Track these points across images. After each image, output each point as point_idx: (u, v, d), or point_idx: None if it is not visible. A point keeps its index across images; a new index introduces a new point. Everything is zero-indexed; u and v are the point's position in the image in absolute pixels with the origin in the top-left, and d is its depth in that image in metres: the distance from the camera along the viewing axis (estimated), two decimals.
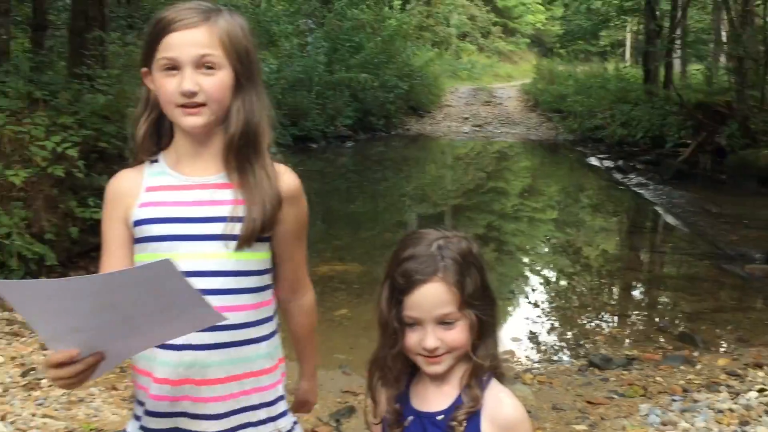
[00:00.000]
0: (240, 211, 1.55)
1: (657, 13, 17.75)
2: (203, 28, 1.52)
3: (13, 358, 4.27)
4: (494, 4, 40.07)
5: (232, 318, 1.51)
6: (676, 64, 19.78)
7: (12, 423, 3.45)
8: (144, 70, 1.59)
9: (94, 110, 6.67)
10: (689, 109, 13.70)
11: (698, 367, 4.70)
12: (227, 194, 1.57)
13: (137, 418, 1.63)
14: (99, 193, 6.54)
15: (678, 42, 17.52)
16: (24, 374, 4.05)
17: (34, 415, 3.56)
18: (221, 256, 1.54)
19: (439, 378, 1.55)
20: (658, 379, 4.50)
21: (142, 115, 1.62)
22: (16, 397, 3.75)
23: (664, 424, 3.78)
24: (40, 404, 3.70)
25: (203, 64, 1.52)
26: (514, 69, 36.00)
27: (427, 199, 12.38)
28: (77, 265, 6.36)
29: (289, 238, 1.64)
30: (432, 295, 1.48)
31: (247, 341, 1.58)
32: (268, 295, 1.65)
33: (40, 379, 4.01)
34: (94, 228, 6.60)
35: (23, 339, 4.61)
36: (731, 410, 3.86)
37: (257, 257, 1.59)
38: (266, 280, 1.64)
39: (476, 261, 1.54)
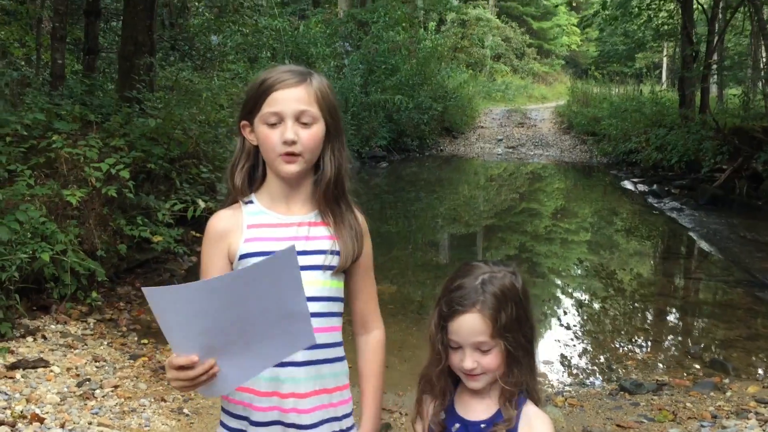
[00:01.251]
0: (336, 246, 1.83)
1: (693, 37, 17.73)
2: (302, 88, 1.80)
3: (68, 369, 4.51)
4: (529, 26, 40.21)
5: (326, 338, 1.81)
6: (713, 88, 19.70)
7: (71, 430, 3.68)
8: (243, 122, 1.86)
9: (144, 133, 6.97)
10: (725, 134, 13.66)
11: (728, 393, 4.77)
12: (322, 231, 1.85)
13: (234, 431, 1.82)
14: (146, 212, 6.86)
15: (714, 67, 17.47)
16: (79, 384, 4.29)
17: (90, 423, 3.79)
18: (319, 283, 1.81)
19: (480, 392, 1.76)
20: (688, 404, 4.59)
21: (238, 164, 1.89)
22: (73, 406, 3.98)
23: None
24: (95, 413, 3.93)
25: (302, 118, 1.79)
26: (549, 90, 36.00)
27: (459, 219, 12.52)
28: (124, 281, 6.65)
29: (362, 271, 1.91)
30: (469, 324, 1.72)
31: (335, 359, 1.84)
32: (342, 321, 1.91)
33: (94, 390, 4.24)
34: (140, 245, 6.90)
35: (77, 351, 4.86)
36: None
37: (339, 286, 1.87)
38: (341, 307, 1.89)
39: (515, 296, 1.75)
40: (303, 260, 1.76)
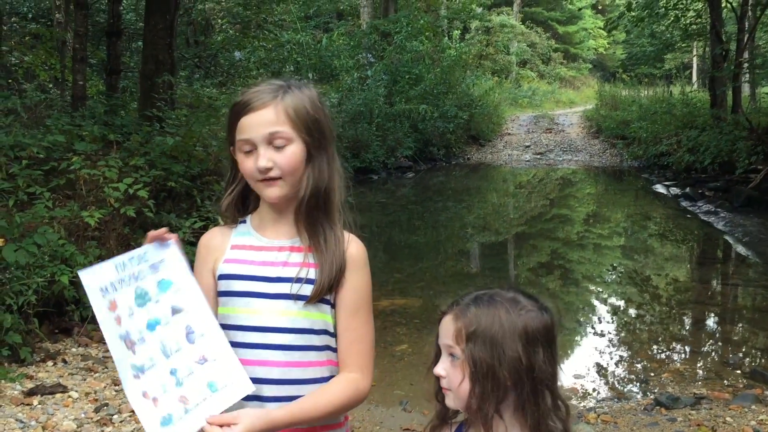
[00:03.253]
0: (310, 273, 1.68)
1: (723, 36, 17.35)
2: (270, 108, 1.67)
3: (87, 394, 4.45)
4: (555, 31, 39.89)
5: (299, 374, 1.66)
6: (745, 87, 19.26)
7: None
8: (232, 148, 1.75)
9: (164, 151, 6.94)
10: (759, 133, 13.29)
11: None
12: (300, 257, 1.71)
13: None
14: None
15: (746, 65, 17.07)
16: (97, 410, 4.22)
17: None
18: (291, 314, 1.67)
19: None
20: (728, 419, 4.37)
21: (229, 187, 1.79)
22: None
23: None
24: None
25: (274, 141, 1.66)
26: (576, 95, 35.62)
27: (489, 227, 12.34)
28: None
29: (347, 306, 1.72)
30: (446, 327, 1.59)
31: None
32: (333, 356, 1.74)
33: (112, 415, 4.17)
34: None
35: (97, 375, 4.80)
36: None
37: (324, 318, 1.71)
38: (330, 341, 1.73)
39: (541, 338, 1.55)
40: (276, 287, 1.67)
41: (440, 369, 1.56)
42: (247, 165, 1.67)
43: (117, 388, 4.62)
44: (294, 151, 1.68)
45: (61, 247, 5.32)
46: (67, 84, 10.64)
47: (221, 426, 1.51)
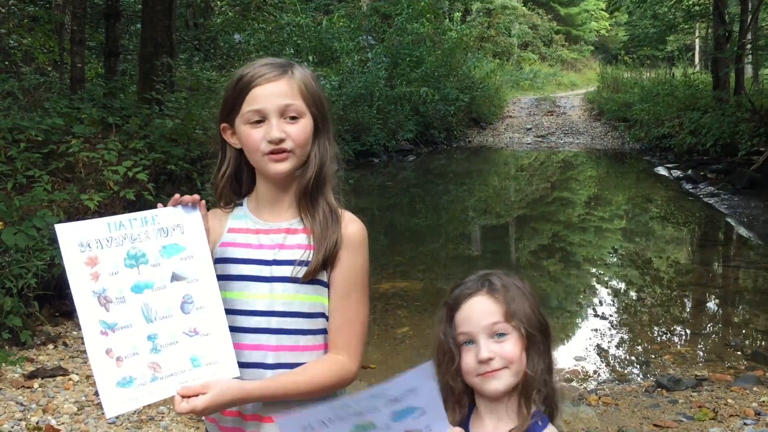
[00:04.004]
0: (305, 255, 1.65)
1: (726, 17, 17.21)
2: (284, 80, 1.65)
3: (87, 377, 4.44)
4: (557, 13, 39.60)
5: (292, 358, 1.63)
6: (748, 69, 19.12)
7: None
8: (223, 125, 1.71)
9: (163, 134, 6.91)
10: (762, 115, 13.22)
11: None
12: (299, 239, 1.68)
13: None
14: None
15: (749, 46, 16.94)
16: (97, 393, 4.20)
17: None
18: (288, 297, 1.64)
19: (496, 412, 1.58)
20: (729, 401, 4.36)
21: (221, 170, 1.74)
22: (91, 416, 3.90)
23: None
24: (112, 423, 3.84)
25: (288, 114, 1.64)
26: (578, 77, 35.43)
27: (490, 210, 12.32)
28: None
29: (338, 286, 1.67)
30: (479, 306, 1.60)
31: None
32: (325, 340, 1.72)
33: None
34: None
35: None
36: None
37: (320, 300, 1.67)
38: (325, 324, 1.70)
39: (523, 290, 1.64)
40: (272, 271, 1.65)
41: (485, 352, 1.54)
42: (255, 136, 1.63)
43: None
44: (306, 124, 1.66)
45: None
46: (66, 67, 10.57)
47: (189, 397, 1.49)
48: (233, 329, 1.60)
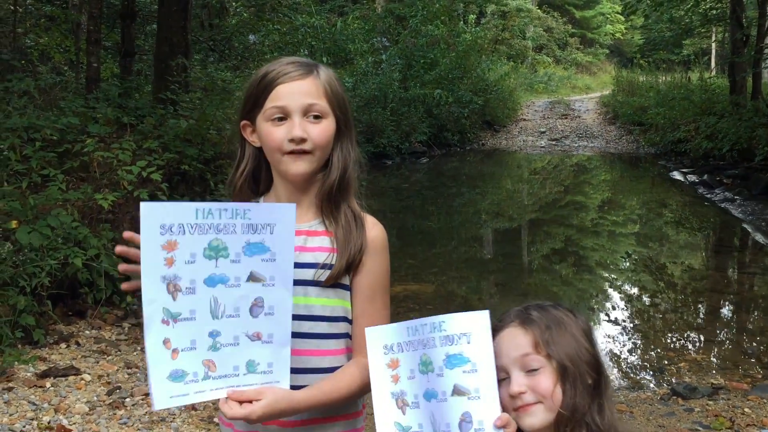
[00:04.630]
0: (328, 258, 1.62)
1: (743, 21, 17.06)
2: (309, 80, 1.62)
3: (100, 377, 4.44)
4: (572, 15, 39.44)
5: (316, 362, 1.61)
6: (765, 73, 18.94)
7: None
8: (244, 122, 1.68)
9: (177, 134, 6.92)
10: None
11: None
12: (320, 241, 1.65)
13: None
14: None
15: (766, 51, 16.78)
16: (110, 393, 4.21)
17: None
18: (310, 300, 1.62)
19: None
20: (746, 410, 4.30)
21: (239, 168, 1.71)
22: (102, 416, 3.90)
23: None
24: (123, 423, 3.84)
25: (311, 113, 1.61)
26: (593, 80, 35.25)
27: (503, 214, 12.27)
28: None
29: (363, 291, 1.66)
30: (508, 338, 1.54)
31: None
32: (351, 344, 1.69)
33: (125, 398, 4.16)
34: None
35: (110, 357, 4.80)
36: None
37: (343, 304, 1.65)
38: (349, 329, 1.68)
39: (567, 323, 1.56)
40: (294, 273, 1.59)
41: (518, 386, 1.48)
42: (278, 134, 1.60)
43: (129, 371, 4.62)
44: (328, 126, 1.64)
45: (75, 229, 5.31)
46: (82, 66, 10.62)
47: (242, 402, 1.46)
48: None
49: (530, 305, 1.58)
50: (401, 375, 1.49)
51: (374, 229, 1.69)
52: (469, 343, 1.46)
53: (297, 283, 1.59)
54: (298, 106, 1.60)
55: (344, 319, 1.66)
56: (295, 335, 1.58)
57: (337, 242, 1.64)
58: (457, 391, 1.46)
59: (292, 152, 1.60)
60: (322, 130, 1.62)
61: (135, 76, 9.92)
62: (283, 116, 1.60)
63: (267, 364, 1.51)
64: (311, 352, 1.61)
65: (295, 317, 1.58)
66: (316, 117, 1.61)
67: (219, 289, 1.46)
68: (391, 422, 1.49)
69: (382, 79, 17.61)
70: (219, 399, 1.48)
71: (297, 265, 1.59)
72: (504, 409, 1.49)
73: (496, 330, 1.54)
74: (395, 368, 1.50)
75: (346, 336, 1.66)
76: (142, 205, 1.42)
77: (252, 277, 1.49)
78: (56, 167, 5.94)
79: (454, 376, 1.46)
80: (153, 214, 1.42)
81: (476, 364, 1.46)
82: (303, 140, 1.59)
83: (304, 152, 1.60)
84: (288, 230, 1.52)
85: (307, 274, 1.62)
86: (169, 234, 1.42)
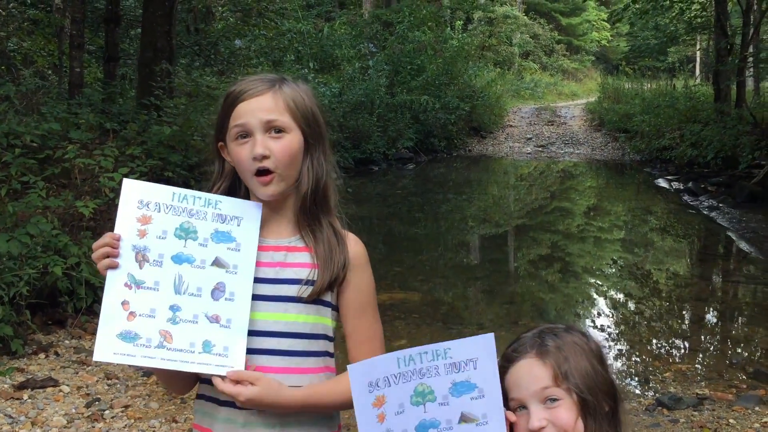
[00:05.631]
0: (310, 275, 1.60)
1: (728, 29, 17.20)
2: (269, 95, 1.60)
3: (78, 388, 4.37)
4: (558, 22, 39.66)
5: (295, 381, 1.58)
6: (749, 81, 19.11)
7: None
8: (220, 144, 1.68)
9: (161, 140, 6.85)
10: (763, 128, 13.19)
11: None
12: (301, 257, 1.63)
13: None
14: None
15: (750, 59, 16.93)
16: (88, 405, 4.14)
17: None
18: (289, 317, 1.59)
19: None
20: (731, 421, 4.29)
21: (215, 185, 1.71)
22: (80, 429, 3.83)
23: None
24: None
25: (272, 129, 1.59)
26: (579, 87, 35.46)
27: (490, 220, 12.27)
28: None
29: (352, 308, 1.65)
30: (525, 370, 1.49)
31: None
32: (331, 362, 1.67)
33: (104, 410, 4.09)
34: None
35: (89, 368, 4.72)
36: None
37: (323, 321, 1.63)
38: (329, 347, 1.66)
39: (582, 348, 1.52)
40: (273, 290, 1.60)
41: (538, 421, 1.43)
42: (242, 154, 1.59)
43: (109, 382, 4.55)
44: (291, 141, 1.61)
45: (55, 237, 5.24)
46: (65, 71, 10.53)
47: (236, 382, 1.50)
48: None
49: (544, 331, 1.54)
50: (387, 412, 1.43)
51: (356, 246, 1.69)
52: (475, 369, 1.44)
53: (278, 299, 1.59)
54: (258, 123, 1.58)
55: (324, 336, 1.64)
56: (275, 352, 1.57)
57: (317, 258, 1.62)
58: (464, 419, 1.44)
59: (258, 174, 1.59)
60: (285, 146, 1.59)
61: (119, 81, 9.84)
62: (246, 134, 1.59)
63: (223, 347, 1.54)
64: (290, 369, 1.58)
65: (275, 334, 1.57)
66: (278, 131, 1.59)
67: (185, 267, 1.56)
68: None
69: (369, 84, 17.59)
70: (166, 371, 1.53)
71: (278, 281, 1.60)
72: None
73: (510, 360, 1.51)
74: (381, 406, 1.43)
75: (325, 354, 1.64)
76: (125, 181, 1.57)
77: (216, 262, 1.57)
78: (36, 174, 5.86)
79: (462, 404, 1.44)
80: (133, 189, 1.56)
81: (483, 390, 1.44)
82: (265, 157, 1.57)
83: (269, 172, 1.58)
84: (253, 225, 1.61)
85: (289, 290, 1.60)
86: (145, 209, 1.55)
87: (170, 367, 1.52)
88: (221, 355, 1.54)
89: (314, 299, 1.60)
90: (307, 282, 1.59)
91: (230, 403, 1.56)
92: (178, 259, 1.55)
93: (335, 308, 1.65)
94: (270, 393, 1.50)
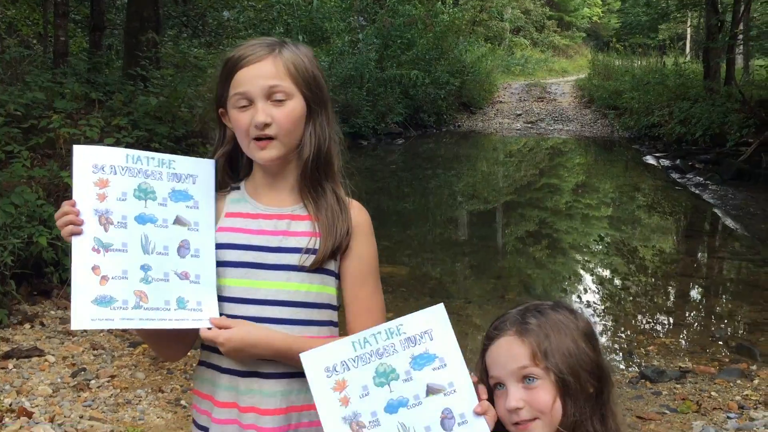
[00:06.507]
0: (312, 243, 1.58)
1: (719, 6, 17.16)
2: (269, 60, 1.57)
3: (64, 358, 4.36)
4: None
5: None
6: (738, 59, 19.11)
7: (60, 425, 3.52)
8: (221, 110, 1.65)
9: (147, 111, 6.78)
10: (751, 106, 13.22)
11: (756, 381, 4.52)
12: (303, 225, 1.61)
13: None
14: None
15: (740, 37, 16.91)
16: (74, 375, 4.13)
17: (81, 417, 3.63)
18: (292, 286, 1.57)
19: None
20: (713, 393, 4.34)
21: (216, 152, 1.68)
22: (66, 398, 3.83)
23: None
24: (87, 406, 3.77)
25: (274, 95, 1.56)
26: (569, 63, 35.33)
27: (478, 196, 12.28)
28: None
29: (353, 277, 1.62)
30: (504, 348, 1.46)
31: None
32: (336, 331, 1.64)
33: (89, 380, 4.09)
34: None
35: (75, 338, 4.71)
36: None
37: (327, 291, 1.61)
38: (333, 316, 1.63)
39: (567, 328, 1.48)
40: (278, 258, 1.58)
41: (515, 401, 1.41)
42: (243, 121, 1.56)
43: (95, 352, 4.54)
44: (294, 107, 1.58)
45: (40, 207, 5.19)
46: (50, 40, 10.38)
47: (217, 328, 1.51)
48: (234, 318, 1.56)
49: (529, 308, 1.50)
50: (351, 395, 1.42)
51: (360, 214, 1.67)
52: (431, 339, 1.44)
53: (281, 267, 1.57)
54: (259, 91, 1.55)
55: (328, 306, 1.61)
56: (277, 321, 1.55)
57: (320, 226, 1.59)
58: (431, 391, 1.43)
59: (258, 139, 1.56)
60: (287, 113, 1.56)
61: (105, 51, 9.71)
62: (247, 102, 1.56)
63: (196, 302, 1.56)
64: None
65: (278, 303, 1.56)
66: (280, 99, 1.56)
67: (149, 227, 1.56)
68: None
69: (359, 58, 17.46)
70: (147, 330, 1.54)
71: (281, 250, 1.58)
72: (502, 419, 1.44)
73: (491, 338, 1.48)
74: (342, 390, 1.42)
75: (330, 324, 1.62)
76: (75, 147, 1.55)
77: (178, 221, 1.59)
78: (21, 143, 5.79)
79: (425, 377, 1.43)
80: (85, 154, 1.54)
81: (444, 359, 1.43)
82: (267, 125, 1.55)
83: (270, 138, 1.56)
84: (209, 183, 1.63)
85: (291, 258, 1.57)
86: (101, 173, 1.53)
87: (149, 326, 1.52)
88: (195, 310, 1.55)
89: (317, 268, 1.58)
90: (309, 250, 1.57)
91: (231, 370, 1.55)
92: (141, 219, 1.55)
93: (337, 276, 1.63)
94: (252, 333, 1.50)
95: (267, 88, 1.55)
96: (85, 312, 1.48)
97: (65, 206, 1.50)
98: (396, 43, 18.98)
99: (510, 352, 1.44)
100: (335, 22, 18.81)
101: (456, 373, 1.43)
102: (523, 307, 1.51)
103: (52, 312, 5.13)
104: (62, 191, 5.78)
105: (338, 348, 1.43)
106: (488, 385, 1.47)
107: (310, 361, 1.42)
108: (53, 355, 4.36)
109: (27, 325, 4.80)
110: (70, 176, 1.59)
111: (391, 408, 1.42)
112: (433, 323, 1.44)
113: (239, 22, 14.56)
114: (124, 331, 5.02)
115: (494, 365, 1.46)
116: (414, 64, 18.81)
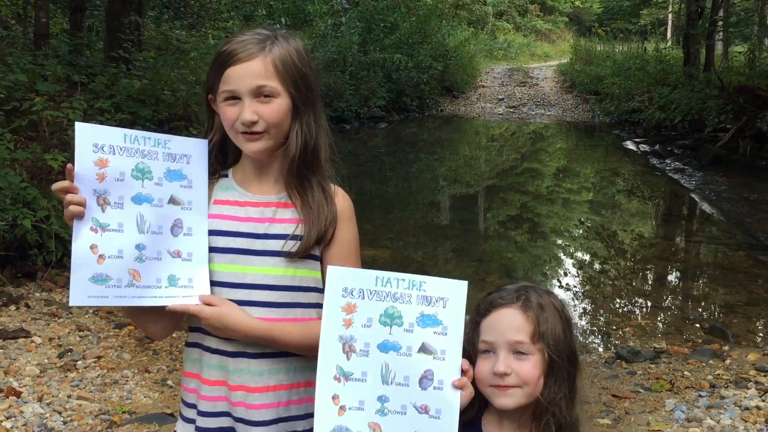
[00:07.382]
0: (298, 230, 1.64)
1: None
2: (258, 59, 1.61)
3: (50, 339, 4.40)
4: None
5: None
6: (718, 45, 19.29)
7: (49, 404, 3.57)
8: (210, 96, 1.70)
9: (130, 94, 6.77)
10: (730, 92, 13.39)
11: (727, 361, 4.66)
12: (289, 213, 1.67)
13: (188, 420, 1.70)
14: None
15: (720, 23, 17.07)
16: (61, 355, 4.18)
17: (69, 396, 3.68)
18: (278, 271, 1.64)
19: (509, 418, 1.57)
20: (686, 373, 4.48)
21: (207, 136, 1.73)
22: (53, 378, 3.88)
23: (689, 420, 3.76)
24: (75, 385, 3.82)
25: (261, 94, 1.61)
26: (552, 48, 35.39)
27: (460, 180, 12.36)
28: None
29: (334, 259, 1.68)
30: (508, 319, 1.55)
31: (297, 354, 1.65)
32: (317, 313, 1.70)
33: (76, 361, 4.14)
34: None
35: (60, 320, 4.75)
36: (758, 408, 3.83)
37: (313, 275, 1.67)
38: (320, 298, 1.67)
39: (558, 311, 1.58)
40: (263, 245, 1.64)
41: (504, 367, 1.51)
42: (231, 115, 1.62)
43: (81, 333, 4.58)
44: (280, 105, 1.63)
45: (24, 190, 5.20)
46: (30, 21, 10.27)
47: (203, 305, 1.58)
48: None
49: (528, 287, 1.60)
50: (355, 321, 1.52)
51: (342, 200, 1.73)
52: (444, 307, 1.53)
53: (267, 254, 1.63)
54: (247, 89, 1.60)
55: (314, 289, 1.67)
56: (264, 304, 1.61)
57: (304, 214, 1.65)
58: (424, 349, 1.52)
59: (245, 132, 1.62)
60: (273, 111, 1.62)
61: (86, 33, 9.64)
62: (235, 98, 1.62)
63: (188, 279, 1.62)
64: (281, 320, 1.63)
65: (264, 287, 1.62)
66: (267, 96, 1.62)
67: (144, 207, 1.61)
68: (333, 365, 1.52)
69: (342, 42, 17.44)
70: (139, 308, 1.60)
71: (268, 236, 1.64)
72: (480, 381, 1.54)
73: (493, 305, 1.57)
74: (350, 312, 1.52)
75: (317, 305, 1.66)
76: (77, 125, 1.58)
77: (172, 200, 1.64)
78: (3, 126, 5.78)
79: (424, 335, 1.52)
80: (87, 133, 1.56)
81: (447, 328, 1.52)
82: (253, 123, 1.60)
83: (257, 133, 1.62)
84: (202, 163, 1.68)
85: (277, 245, 1.64)
86: (101, 152, 1.57)
87: (141, 304, 1.58)
88: (186, 287, 1.61)
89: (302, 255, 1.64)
90: (294, 237, 1.63)
91: (221, 351, 1.62)
92: (138, 199, 1.60)
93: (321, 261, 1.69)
94: (232, 315, 1.56)
95: (254, 88, 1.60)
96: (83, 289, 1.54)
97: (65, 184, 1.54)
98: (379, 27, 18.96)
99: (513, 323, 1.54)
100: (318, 4, 18.74)
101: (452, 344, 1.52)
102: (521, 285, 1.61)
103: (37, 294, 5.15)
104: (45, 174, 5.78)
105: (362, 275, 1.54)
106: (475, 347, 1.57)
107: (334, 274, 1.53)
108: (39, 336, 4.40)
109: (12, 307, 4.83)
110: (71, 157, 1.60)
111: (384, 348, 1.52)
112: (451, 294, 1.53)
113: (221, 3, 14.48)
114: (109, 312, 5.07)
115: (491, 331, 1.55)
116: (397, 47, 18.82)
